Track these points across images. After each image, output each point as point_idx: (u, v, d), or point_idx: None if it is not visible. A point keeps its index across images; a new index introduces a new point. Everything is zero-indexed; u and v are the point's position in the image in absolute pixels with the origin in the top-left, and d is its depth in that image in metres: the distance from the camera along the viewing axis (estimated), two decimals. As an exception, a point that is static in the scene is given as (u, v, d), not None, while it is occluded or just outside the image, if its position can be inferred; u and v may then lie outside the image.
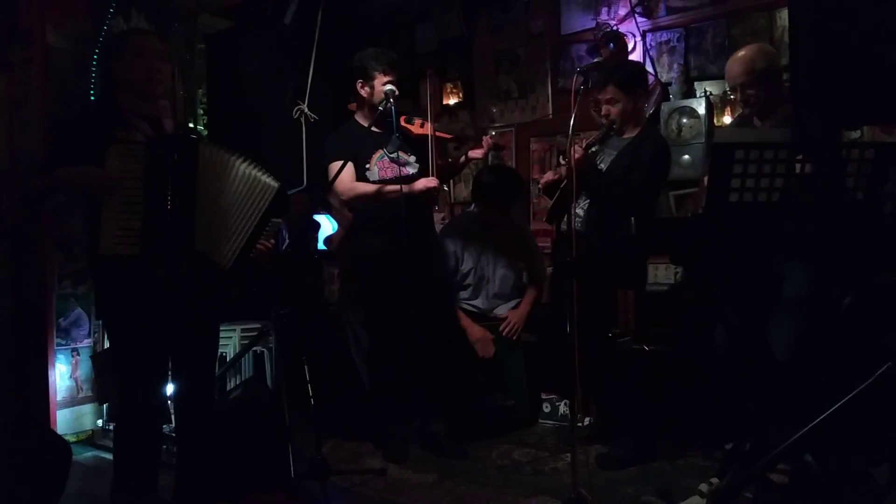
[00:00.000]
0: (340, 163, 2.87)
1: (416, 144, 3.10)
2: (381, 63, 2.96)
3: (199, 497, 2.31)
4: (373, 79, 2.96)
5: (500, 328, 3.48)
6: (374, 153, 3.02)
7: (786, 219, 1.87)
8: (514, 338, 3.47)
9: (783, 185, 1.82)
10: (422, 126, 3.09)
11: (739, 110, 3.01)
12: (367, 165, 3.01)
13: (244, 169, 2.15)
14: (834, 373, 2.11)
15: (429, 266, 3.09)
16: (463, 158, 3.25)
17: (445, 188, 3.17)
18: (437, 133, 3.08)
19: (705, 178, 2.67)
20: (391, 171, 2.99)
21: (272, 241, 2.27)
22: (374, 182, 3.00)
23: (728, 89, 2.71)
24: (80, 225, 3.42)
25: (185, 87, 3.71)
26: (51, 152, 2.20)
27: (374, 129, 3.01)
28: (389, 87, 2.90)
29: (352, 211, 3.79)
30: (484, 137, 3.30)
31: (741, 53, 2.59)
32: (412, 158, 3.10)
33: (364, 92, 2.99)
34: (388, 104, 2.88)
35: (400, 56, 3.18)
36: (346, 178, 2.95)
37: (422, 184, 2.95)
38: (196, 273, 2.16)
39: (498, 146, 3.45)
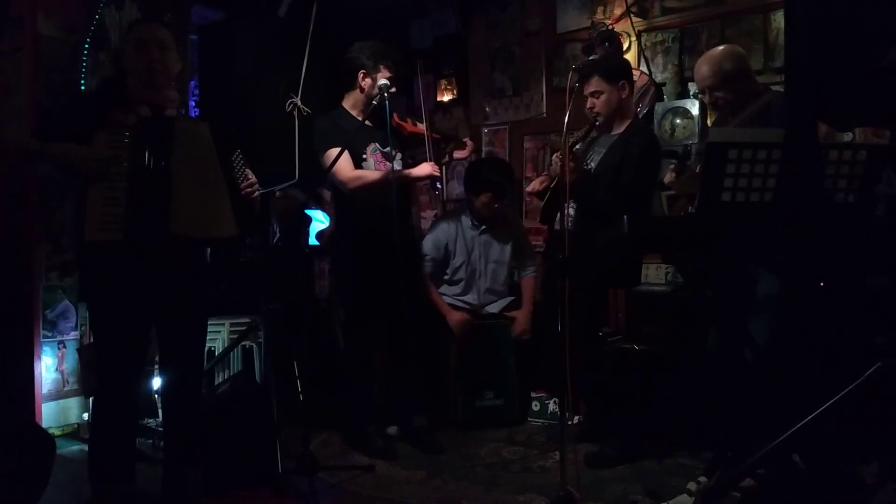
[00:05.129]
0: (338, 150, 2.87)
1: (405, 142, 3.14)
2: (388, 58, 3.00)
3: (187, 492, 2.29)
4: (377, 71, 2.98)
5: (515, 334, 3.47)
6: (367, 145, 3.04)
7: (777, 219, 1.87)
8: (527, 338, 3.48)
9: (776, 185, 1.83)
10: (414, 125, 3.13)
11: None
12: (364, 156, 3.02)
13: (206, 133, 2.19)
14: (824, 373, 2.12)
15: (412, 258, 3.11)
16: (447, 158, 3.30)
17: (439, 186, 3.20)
18: (430, 133, 3.11)
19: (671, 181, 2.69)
20: (384, 165, 3.03)
21: (247, 172, 2.27)
22: None
23: (697, 90, 2.70)
24: (69, 215, 3.39)
25: (176, 79, 3.68)
26: (44, 122, 2.24)
27: (365, 121, 3.01)
28: (384, 81, 2.90)
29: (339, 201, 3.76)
30: (465, 140, 3.37)
31: (709, 55, 2.56)
32: (399, 156, 3.12)
33: (364, 83, 3.00)
34: (383, 99, 2.88)
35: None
36: (347, 166, 2.97)
37: (427, 168, 2.98)
38: (179, 259, 2.15)
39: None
